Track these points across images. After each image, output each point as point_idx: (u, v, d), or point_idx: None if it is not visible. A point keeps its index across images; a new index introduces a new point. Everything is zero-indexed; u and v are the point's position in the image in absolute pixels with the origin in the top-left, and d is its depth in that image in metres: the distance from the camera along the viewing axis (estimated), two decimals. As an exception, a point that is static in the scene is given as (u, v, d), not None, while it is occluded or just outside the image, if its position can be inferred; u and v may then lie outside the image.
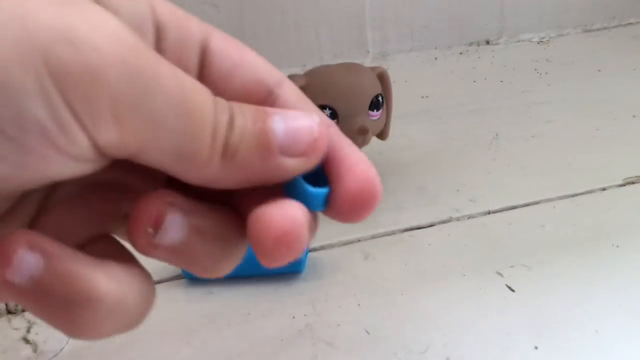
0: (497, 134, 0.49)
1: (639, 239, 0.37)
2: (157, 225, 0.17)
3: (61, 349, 0.32)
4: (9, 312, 0.34)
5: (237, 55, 0.20)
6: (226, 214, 0.19)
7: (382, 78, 0.41)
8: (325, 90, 0.38)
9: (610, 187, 0.43)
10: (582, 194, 0.42)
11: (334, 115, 0.38)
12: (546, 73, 0.59)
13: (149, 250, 0.18)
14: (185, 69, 0.18)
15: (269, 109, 0.18)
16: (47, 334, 0.33)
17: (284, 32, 0.61)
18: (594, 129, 0.49)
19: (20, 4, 0.14)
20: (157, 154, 0.16)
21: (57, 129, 0.15)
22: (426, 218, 0.40)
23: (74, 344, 0.32)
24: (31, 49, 0.14)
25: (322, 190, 0.19)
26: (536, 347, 0.31)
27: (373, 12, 0.61)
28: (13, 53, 0.14)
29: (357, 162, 0.19)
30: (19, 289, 0.16)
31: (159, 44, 0.19)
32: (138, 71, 0.15)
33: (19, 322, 0.34)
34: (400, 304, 0.34)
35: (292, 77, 0.39)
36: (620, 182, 0.43)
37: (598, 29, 0.67)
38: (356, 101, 0.38)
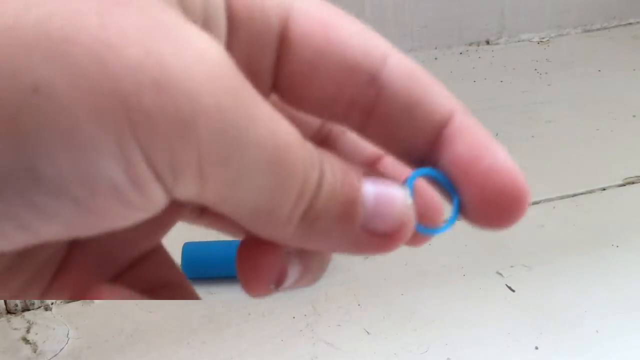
0: (497, 134, 0.49)
1: (639, 239, 0.37)
2: (280, 281, 0.16)
3: (61, 349, 0.32)
4: (8, 312, 0.34)
5: (321, 37, 0.16)
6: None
7: (382, 78, 0.41)
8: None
9: (610, 187, 0.42)
10: (582, 194, 0.42)
11: (334, 115, 0.38)
12: (546, 73, 0.59)
13: (261, 294, 0.16)
14: (258, 71, 0.15)
15: (359, 169, 0.15)
16: (47, 334, 0.33)
17: (284, 32, 0.61)
18: (594, 129, 0.49)
19: (100, 38, 0.11)
20: (234, 208, 0.14)
21: (131, 186, 0.12)
22: (426, 218, 0.40)
23: (73, 344, 0.32)
24: (112, 99, 0.11)
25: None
26: (536, 347, 0.31)
27: (373, 12, 0.61)
28: (89, 106, 0.11)
29: (484, 155, 0.15)
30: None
31: (230, 39, 0.15)
32: (233, 119, 0.13)
33: (19, 322, 0.34)
34: (400, 304, 0.34)
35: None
36: (620, 182, 0.43)
37: (598, 29, 0.67)
38: (356, 101, 0.38)
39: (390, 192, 0.15)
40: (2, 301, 0.35)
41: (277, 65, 0.16)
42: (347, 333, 0.32)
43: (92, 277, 0.17)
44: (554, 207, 0.41)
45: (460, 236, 0.39)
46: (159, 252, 0.18)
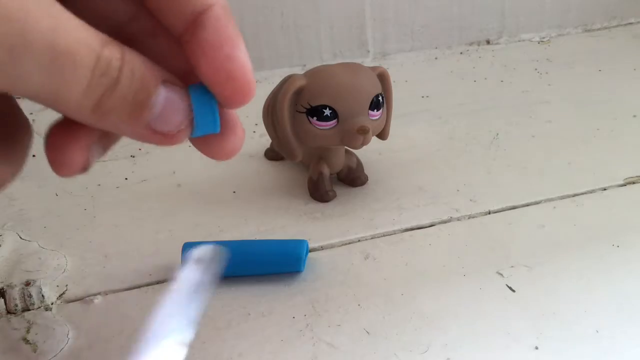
0: (497, 134, 0.49)
1: (639, 239, 0.37)
2: (85, 167, 0.20)
3: (61, 349, 0.32)
4: (8, 312, 0.34)
5: None
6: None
7: (383, 78, 0.41)
8: (325, 90, 0.38)
9: (610, 187, 0.43)
10: (582, 194, 0.42)
11: (334, 115, 0.38)
12: (546, 73, 0.59)
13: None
14: None
15: (161, 75, 0.19)
16: (47, 334, 0.33)
17: (284, 32, 0.61)
18: (594, 129, 0.49)
19: None
20: (26, 94, 0.17)
21: None
22: (426, 218, 0.40)
23: (73, 344, 0.32)
24: None
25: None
26: (536, 347, 0.31)
27: (373, 12, 0.61)
28: None
29: (225, 44, 0.20)
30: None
31: None
32: (8, 14, 0.16)
33: (19, 322, 0.34)
34: (400, 304, 0.34)
35: (292, 77, 0.39)
36: (621, 182, 0.43)
37: (598, 29, 0.67)
38: (356, 101, 0.38)
39: (177, 102, 0.19)
40: (2, 301, 0.35)
41: None
42: (347, 333, 0.32)
43: None
44: (554, 207, 0.41)
45: (460, 236, 0.39)
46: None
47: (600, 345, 0.30)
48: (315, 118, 0.38)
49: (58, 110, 0.19)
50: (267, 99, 0.42)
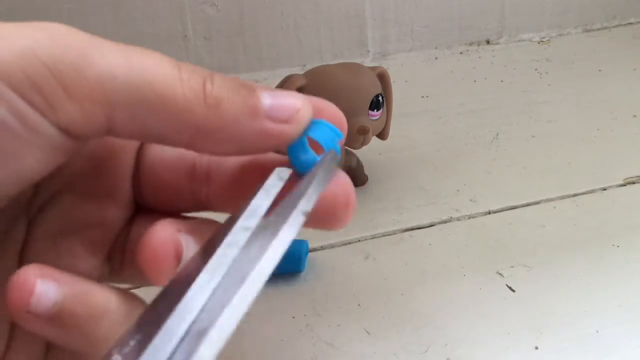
0: (497, 134, 0.49)
1: (639, 239, 0.37)
2: (179, 255, 0.19)
3: (61, 349, 0.32)
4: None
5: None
6: (207, 222, 0.21)
7: (382, 78, 0.41)
8: (325, 90, 0.38)
9: (610, 187, 0.42)
10: (582, 194, 0.42)
11: (334, 115, 0.38)
12: (546, 73, 0.59)
13: (168, 275, 0.18)
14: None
15: (254, 85, 0.19)
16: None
17: (284, 32, 0.61)
18: (594, 129, 0.49)
19: None
20: (128, 116, 0.17)
21: (20, 123, 0.16)
22: (426, 218, 0.40)
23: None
24: None
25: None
26: (536, 347, 0.31)
27: (373, 12, 0.61)
28: None
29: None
30: (43, 316, 0.17)
31: None
32: (66, 45, 0.17)
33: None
34: (400, 304, 0.34)
35: (292, 77, 0.39)
36: (621, 182, 0.43)
37: (598, 29, 0.67)
38: (356, 101, 0.38)
39: (282, 94, 0.19)
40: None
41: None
42: (347, 333, 0.32)
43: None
44: (554, 207, 0.41)
45: (461, 236, 0.39)
46: None
47: (600, 345, 0.30)
48: (315, 118, 0.38)
49: (166, 128, 0.18)
50: (267, 99, 0.42)
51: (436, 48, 0.64)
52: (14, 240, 0.20)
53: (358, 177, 0.44)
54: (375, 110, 0.39)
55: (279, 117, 0.19)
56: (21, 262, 0.20)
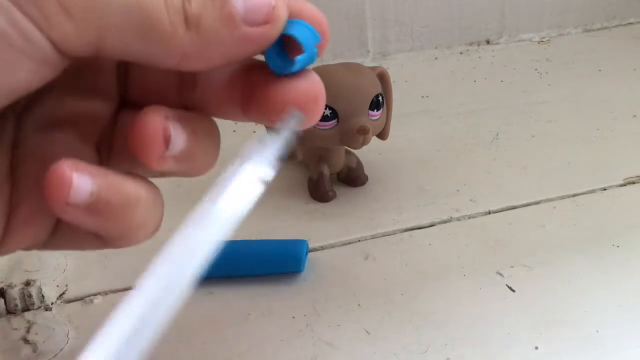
0: (497, 134, 0.49)
1: (639, 239, 0.37)
2: (168, 139, 0.20)
3: (61, 350, 0.32)
4: (8, 312, 0.34)
5: None
6: (198, 114, 0.22)
7: (382, 78, 0.41)
8: (325, 90, 0.38)
9: (610, 187, 0.43)
10: (582, 194, 0.42)
11: (334, 115, 0.38)
12: (546, 73, 0.59)
13: (160, 163, 0.20)
14: None
15: None
16: (47, 334, 0.33)
17: (284, 32, 0.60)
18: (594, 129, 0.49)
19: None
20: (119, 39, 0.18)
21: (17, 33, 0.17)
22: (426, 218, 0.40)
23: (73, 344, 0.32)
24: None
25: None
26: (536, 347, 0.31)
27: (373, 12, 0.61)
28: None
29: None
30: (82, 207, 0.19)
31: None
32: None
33: (19, 322, 0.34)
34: (400, 304, 0.34)
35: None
36: (621, 182, 0.43)
37: (598, 29, 0.67)
38: (356, 101, 0.38)
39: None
40: (2, 301, 0.35)
41: None
42: (347, 333, 0.32)
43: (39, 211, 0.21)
44: (554, 207, 0.41)
45: (461, 236, 0.39)
46: None
47: (600, 345, 0.30)
48: (315, 118, 0.38)
49: (152, 54, 0.19)
50: (267, 99, 0.42)
51: (436, 48, 0.64)
52: (3, 136, 0.21)
53: (358, 177, 0.44)
54: (375, 110, 0.39)
55: (256, 20, 0.19)
56: (14, 157, 0.21)
